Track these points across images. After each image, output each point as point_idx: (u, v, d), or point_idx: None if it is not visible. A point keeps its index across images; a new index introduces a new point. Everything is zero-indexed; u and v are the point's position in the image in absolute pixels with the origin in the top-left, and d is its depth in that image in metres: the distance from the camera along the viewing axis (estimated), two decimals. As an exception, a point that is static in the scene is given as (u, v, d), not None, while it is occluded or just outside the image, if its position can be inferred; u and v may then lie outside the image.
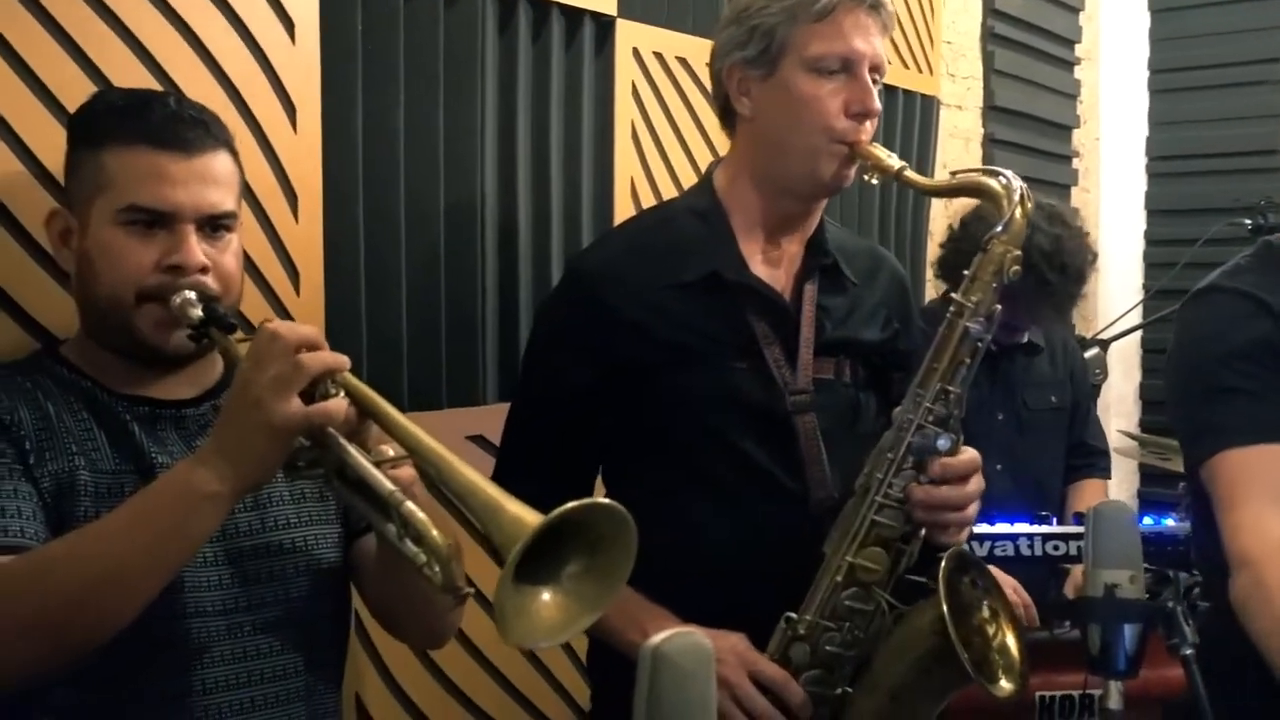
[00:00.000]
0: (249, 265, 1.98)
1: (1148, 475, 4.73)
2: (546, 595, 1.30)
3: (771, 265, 1.88)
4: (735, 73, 1.84)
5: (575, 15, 2.55)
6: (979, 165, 4.02)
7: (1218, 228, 3.72)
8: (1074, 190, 4.65)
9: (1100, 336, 3.86)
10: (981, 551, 2.39)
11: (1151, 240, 4.85)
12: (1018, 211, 1.70)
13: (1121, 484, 4.70)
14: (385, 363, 2.19)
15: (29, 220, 1.71)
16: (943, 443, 1.67)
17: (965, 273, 1.73)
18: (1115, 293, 4.70)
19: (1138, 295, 4.62)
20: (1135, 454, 4.07)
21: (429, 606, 1.62)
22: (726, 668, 1.69)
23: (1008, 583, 1.77)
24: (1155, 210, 4.86)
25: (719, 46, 1.88)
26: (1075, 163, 4.65)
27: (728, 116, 1.91)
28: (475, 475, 1.34)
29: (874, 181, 1.81)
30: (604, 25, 2.62)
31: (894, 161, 1.77)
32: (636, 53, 2.68)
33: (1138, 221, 4.90)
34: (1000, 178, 1.74)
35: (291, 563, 1.61)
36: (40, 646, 1.35)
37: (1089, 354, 3.60)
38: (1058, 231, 2.80)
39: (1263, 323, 1.77)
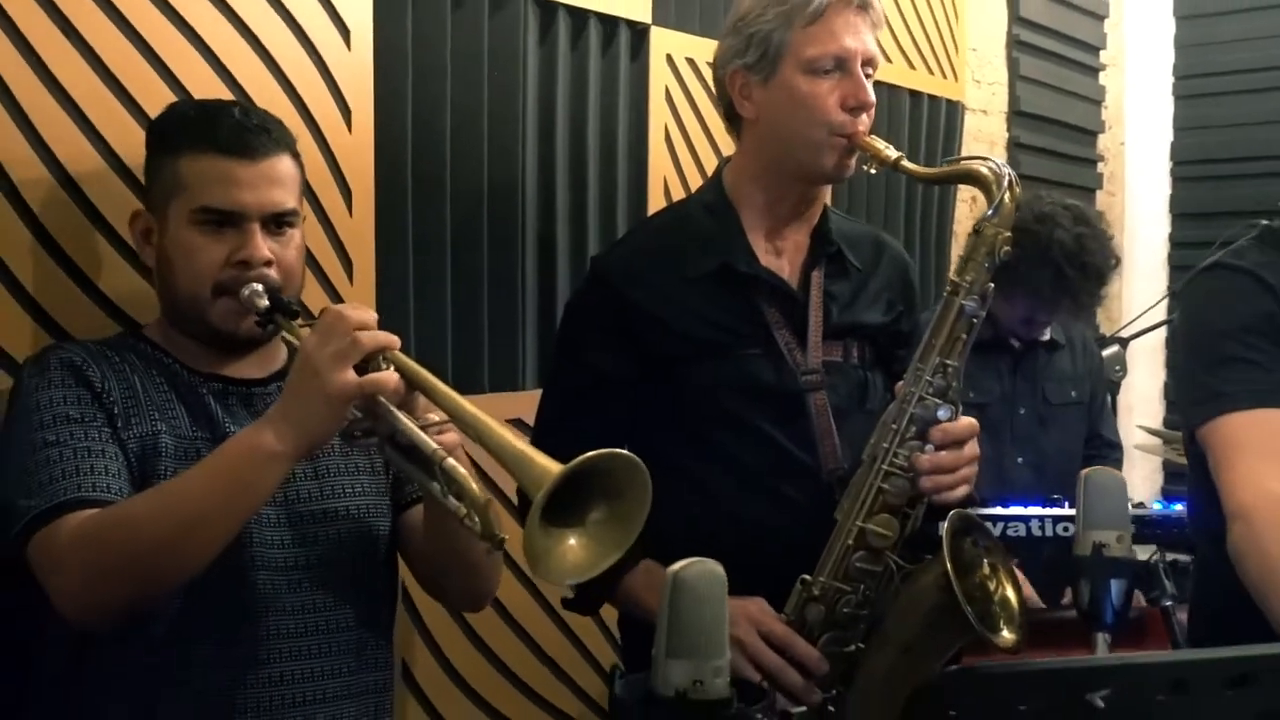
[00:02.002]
0: (307, 255, 2.14)
1: (1171, 473, 4.81)
2: (573, 540, 1.44)
3: (779, 256, 1.99)
4: (737, 78, 1.95)
5: (611, 23, 2.69)
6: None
7: (1233, 230, 3.79)
8: (1099, 194, 4.74)
9: (1121, 335, 3.95)
10: (995, 531, 2.50)
11: (1176, 243, 4.91)
12: (1006, 196, 1.81)
13: (1146, 480, 4.78)
14: (431, 349, 2.33)
15: (110, 213, 1.86)
16: (943, 413, 1.78)
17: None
18: (1140, 294, 4.77)
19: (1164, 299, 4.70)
20: (1159, 451, 4.16)
21: (470, 566, 1.76)
22: (738, 629, 1.78)
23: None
24: (1180, 214, 4.92)
25: (720, 55, 1.99)
26: (1100, 166, 4.74)
27: (733, 119, 2.02)
28: (509, 433, 1.49)
29: (872, 170, 1.92)
30: (639, 32, 2.75)
31: (891, 152, 1.88)
32: (670, 59, 2.81)
33: (1162, 224, 4.95)
34: (990, 165, 1.85)
35: (346, 528, 1.75)
36: (129, 586, 1.51)
37: (1110, 351, 3.69)
38: (1081, 231, 2.89)
39: (1264, 299, 1.87)
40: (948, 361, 1.82)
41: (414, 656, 2.35)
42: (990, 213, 1.83)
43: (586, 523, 1.46)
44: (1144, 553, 3.04)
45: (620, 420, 1.98)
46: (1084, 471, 1.64)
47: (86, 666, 1.62)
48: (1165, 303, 4.31)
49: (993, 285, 1.84)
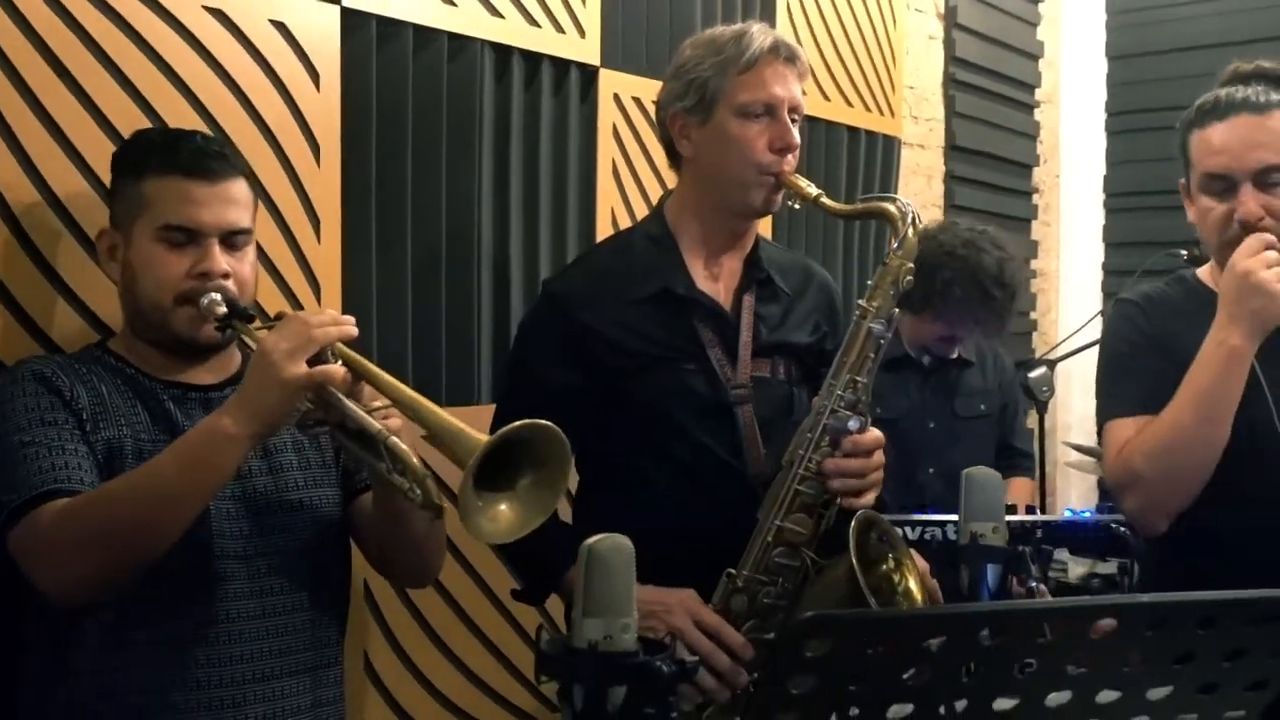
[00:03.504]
0: (279, 278, 2.32)
1: (1106, 491, 5.00)
2: (504, 504, 1.63)
3: (715, 281, 2.18)
4: (677, 120, 2.15)
5: (563, 65, 2.87)
6: (938, 199, 4.37)
7: (1155, 258, 4.02)
8: (1035, 224, 4.97)
9: (1049, 357, 4.17)
10: (913, 536, 2.68)
11: (1108, 270, 5.12)
12: (910, 231, 2.02)
13: (1083, 498, 4.99)
14: (392, 365, 2.41)
15: (91, 228, 2.00)
16: (853, 424, 1.98)
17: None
18: (1075, 319, 4.99)
19: (1096, 321, 4.92)
20: (1093, 469, 4.38)
21: (415, 542, 1.94)
22: (675, 617, 1.97)
23: (921, 566, 2.07)
24: (1112, 243, 5.13)
25: (663, 98, 2.18)
26: (1035, 198, 4.96)
27: (674, 156, 2.21)
28: (443, 413, 1.68)
29: (796, 206, 2.13)
30: (588, 74, 2.93)
31: (812, 190, 2.09)
32: (617, 98, 2.99)
33: (1096, 253, 5.16)
34: (897, 203, 2.05)
35: (300, 516, 1.92)
36: (106, 560, 1.67)
37: (1037, 373, 3.90)
38: (1001, 255, 3.12)
39: (1143, 323, 2.22)
40: (857, 378, 2.02)
41: (373, 648, 2.51)
42: (896, 246, 2.04)
43: (516, 488, 1.63)
44: (1081, 566, 3.28)
45: (567, 428, 2.13)
46: (965, 471, 1.83)
47: (69, 655, 1.77)
48: (1097, 324, 4.53)
49: (898, 310, 2.03)
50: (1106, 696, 1.26)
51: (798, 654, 1.11)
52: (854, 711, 1.18)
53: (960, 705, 1.21)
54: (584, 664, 1.24)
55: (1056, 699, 1.24)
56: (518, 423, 1.60)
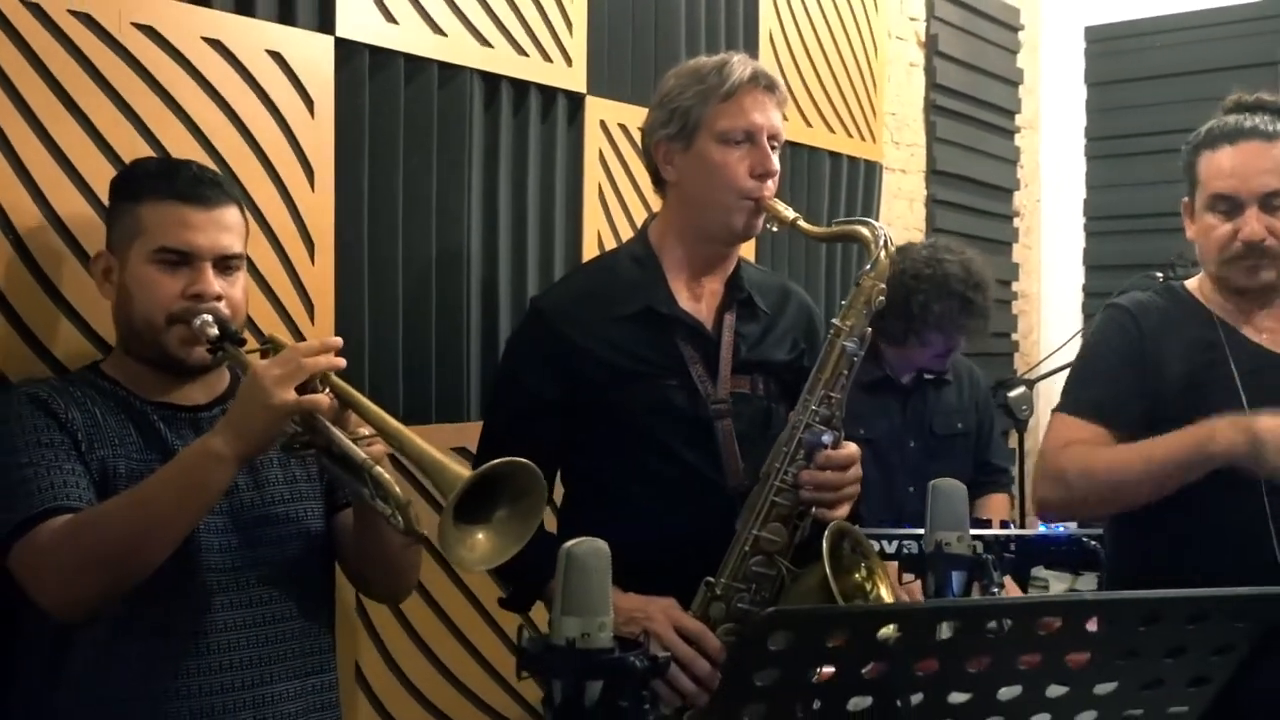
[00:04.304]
0: (274, 299, 2.39)
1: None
2: (481, 534, 1.69)
3: (696, 300, 2.25)
4: (661, 147, 2.23)
5: (550, 93, 2.94)
6: (920, 223, 4.46)
7: (1133, 280, 4.12)
8: (1015, 247, 5.06)
9: (1028, 377, 4.26)
10: (890, 549, 2.76)
11: (1089, 293, 5.21)
12: (883, 254, 2.10)
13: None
14: (384, 383, 2.56)
15: (93, 249, 2.05)
16: (827, 438, 2.05)
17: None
18: (1055, 341, 5.08)
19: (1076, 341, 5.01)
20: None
21: (390, 561, 2.00)
22: (656, 623, 2.03)
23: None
24: (1092, 265, 5.24)
25: (647, 126, 2.26)
26: (1016, 222, 5.06)
27: (658, 181, 2.29)
28: (426, 445, 1.74)
29: (774, 229, 2.21)
30: (575, 101, 3.01)
31: (790, 213, 2.16)
32: (603, 124, 3.07)
33: (1076, 275, 5.27)
34: (870, 227, 2.13)
35: (285, 530, 1.99)
36: (102, 578, 1.74)
37: (1016, 392, 4.00)
38: (962, 257, 3.21)
39: (1132, 331, 2.33)
40: (832, 394, 2.09)
41: (364, 658, 2.58)
42: (869, 267, 2.12)
43: (493, 520, 1.70)
44: (1061, 583, 3.35)
45: (553, 440, 2.22)
46: (932, 482, 1.91)
47: (62, 666, 1.82)
48: (1076, 345, 4.62)
49: (870, 329, 2.11)
50: (1056, 691, 1.34)
51: (762, 647, 1.18)
52: (816, 704, 1.26)
53: (916, 699, 1.28)
54: (562, 660, 1.31)
55: (1008, 693, 1.31)
56: (496, 460, 1.67)
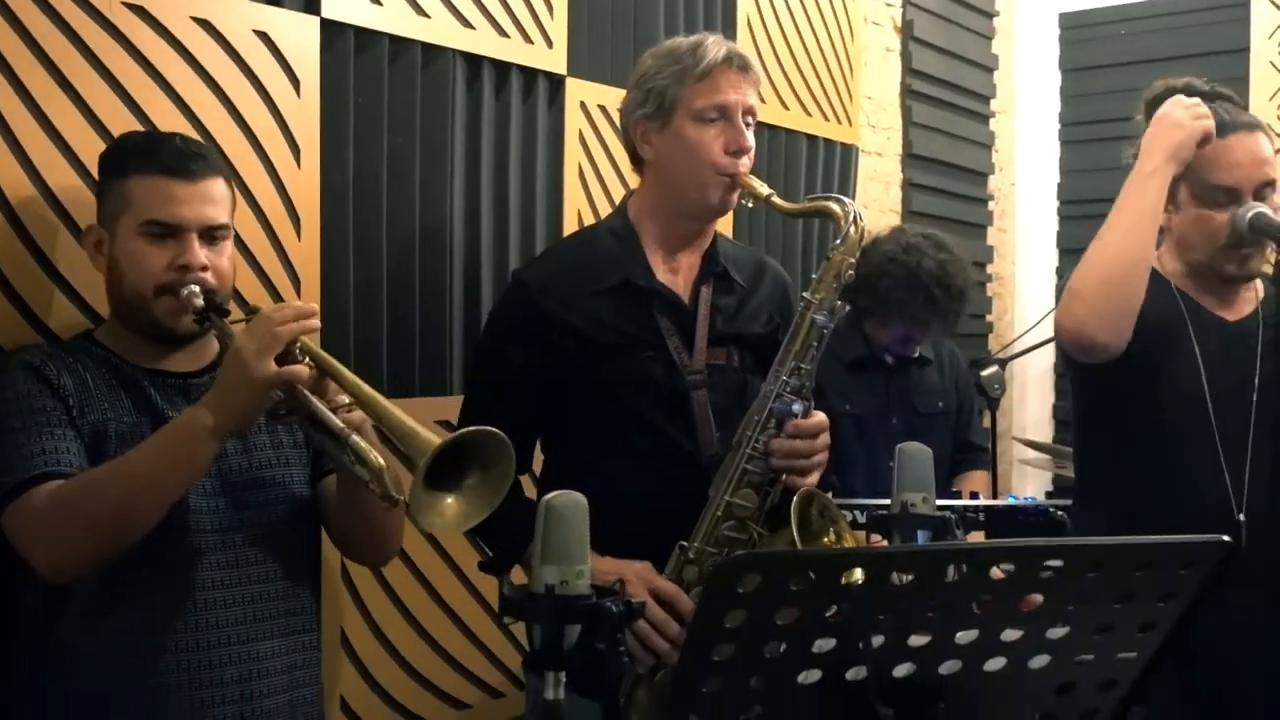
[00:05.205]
0: (261, 274, 2.44)
1: (1060, 488, 5.18)
2: (450, 499, 1.75)
3: (674, 274, 2.31)
4: (639, 126, 2.28)
5: (531, 74, 3.00)
6: (896, 205, 4.53)
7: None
8: (990, 230, 5.13)
9: (1001, 356, 4.34)
10: (863, 520, 2.81)
11: (1063, 275, 5.26)
12: (852, 229, 2.16)
13: (1037, 494, 5.15)
14: (368, 357, 2.62)
15: (85, 222, 2.11)
16: (797, 408, 2.11)
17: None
18: (1029, 322, 5.16)
19: (1048, 321, 5.08)
20: (1046, 466, 4.54)
21: (373, 525, 2.07)
22: (632, 586, 2.09)
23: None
24: (1066, 249, 5.29)
25: (625, 105, 2.32)
26: (991, 205, 5.13)
27: (636, 160, 2.34)
28: (400, 413, 1.80)
29: (749, 205, 2.26)
30: (555, 82, 3.06)
31: (764, 189, 2.22)
32: (583, 105, 3.12)
33: (1050, 258, 5.34)
34: (840, 203, 2.20)
35: (272, 494, 2.05)
36: (95, 542, 1.80)
37: (989, 370, 4.06)
38: (943, 257, 3.25)
39: None
40: (802, 365, 2.15)
41: (349, 624, 2.64)
42: (839, 241, 2.18)
43: (463, 487, 1.76)
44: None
45: (533, 410, 2.29)
46: (899, 446, 1.97)
47: (54, 625, 1.89)
48: (1048, 325, 4.69)
49: (840, 302, 2.16)
50: (1011, 635, 1.41)
51: (730, 589, 1.25)
52: (782, 646, 1.32)
53: (878, 641, 1.35)
54: (542, 606, 1.38)
55: (965, 637, 1.38)
56: (467, 429, 1.73)
